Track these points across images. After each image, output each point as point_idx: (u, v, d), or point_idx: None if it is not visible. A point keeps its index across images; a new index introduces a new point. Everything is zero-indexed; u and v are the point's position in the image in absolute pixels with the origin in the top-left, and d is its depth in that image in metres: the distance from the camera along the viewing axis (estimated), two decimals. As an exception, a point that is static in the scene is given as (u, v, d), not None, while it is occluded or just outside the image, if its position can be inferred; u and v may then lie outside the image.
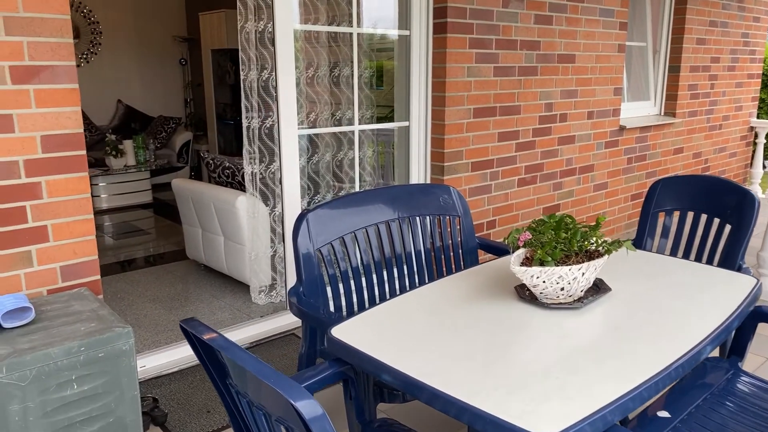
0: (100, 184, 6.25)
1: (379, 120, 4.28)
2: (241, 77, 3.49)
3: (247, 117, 3.55)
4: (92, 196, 6.25)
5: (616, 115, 4.92)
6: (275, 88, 3.22)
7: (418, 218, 2.52)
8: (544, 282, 1.71)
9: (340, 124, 3.92)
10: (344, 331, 1.68)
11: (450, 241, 2.63)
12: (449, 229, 2.62)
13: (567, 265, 1.70)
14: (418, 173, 3.84)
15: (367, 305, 2.33)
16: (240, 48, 3.40)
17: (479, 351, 1.54)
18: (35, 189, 2.26)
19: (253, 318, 3.48)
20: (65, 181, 2.33)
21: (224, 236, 3.90)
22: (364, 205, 2.45)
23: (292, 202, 3.35)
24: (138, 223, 5.85)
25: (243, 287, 3.95)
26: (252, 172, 3.62)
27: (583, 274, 1.71)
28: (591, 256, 1.76)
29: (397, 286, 2.38)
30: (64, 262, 2.37)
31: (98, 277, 2.49)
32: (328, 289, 2.21)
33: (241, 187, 3.92)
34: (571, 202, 4.72)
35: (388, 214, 2.44)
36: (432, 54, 3.67)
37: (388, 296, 2.33)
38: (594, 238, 1.79)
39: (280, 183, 3.39)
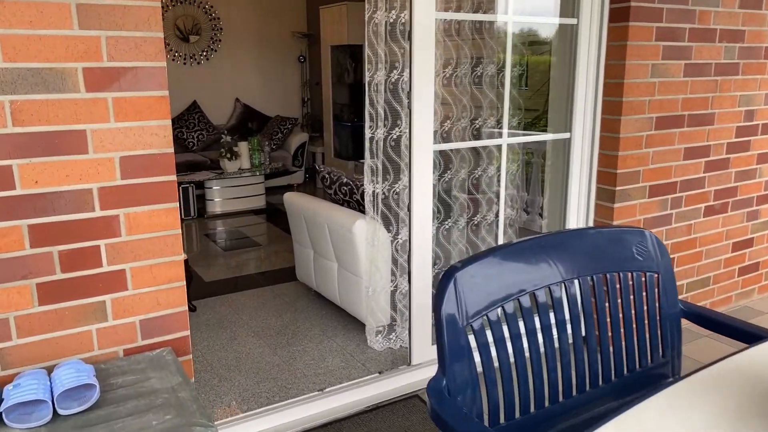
0: (214, 188, 6.00)
1: (527, 128, 3.54)
2: (366, 78, 2.90)
3: (370, 126, 2.96)
4: (205, 200, 6.02)
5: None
6: (409, 91, 2.59)
7: (603, 276, 1.79)
8: None
9: (479, 134, 3.23)
10: None
11: (645, 307, 1.87)
12: (645, 292, 1.86)
13: None
14: (579, 199, 3.05)
15: (533, 407, 1.64)
16: (366, 43, 2.81)
17: None
18: (112, 224, 1.78)
19: (369, 369, 2.89)
20: (149, 215, 1.83)
21: (338, 263, 3.35)
22: (530, 259, 1.74)
23: (422, 229, 2.71)
24: (249, 231, 5.51)
25: (357, 324, 3.38)
26: (374, 192, 3.02)
27: None
28: None
29: (573, 378, 1.67)
30: (144, 315, 1.89)
31: (186, 332, 1.98)
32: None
33: (359, 207, 3.34)
34: (769, 236, 3.71)
35: (563, 271, 1.73)
36: (606, 48, 2.87)
37: (562, 392, 1.63)
38: None
39: (409, 206, 2.76)
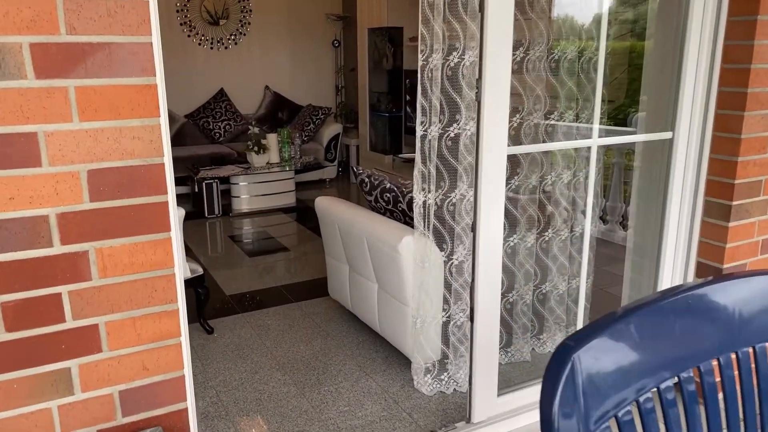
0: (240, 184, 5.52)
1: (616, 124, 2.94)
2: (419, 62, 2.34)
3: (423, 122, 2.41)
4: (231, 196, 5.55)
5: None
6: (478, 79, 2.03)
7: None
8: None
9: (553, 133, 2.65)
10: None
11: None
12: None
13: None
14: (680, 214, 2.45)
15: None
16: (420, 19, 2.26)
17: None
18: (78, 264, 1.28)
19: (417, 423, 2.36)
20: (131, 250, 1.32)
21: (378, 285, 2.82)
22: (674, 324, 1.17)
23: (491, 250, 2.15)
24: (276, 232, 5.02)
25: (400, 358, 2.85)
26: (425, 203, 2.48)
27: None
28: None
29: None
30: (126, 385, 1.38)
31: (184, 404, 1.47)
32: None
33: (405, 218, 2.80)
34: None
35: (719, 341, 1.15)
36: (725, 24, 2.25)
37: None
38: None
39: (474, 223, 2.21)
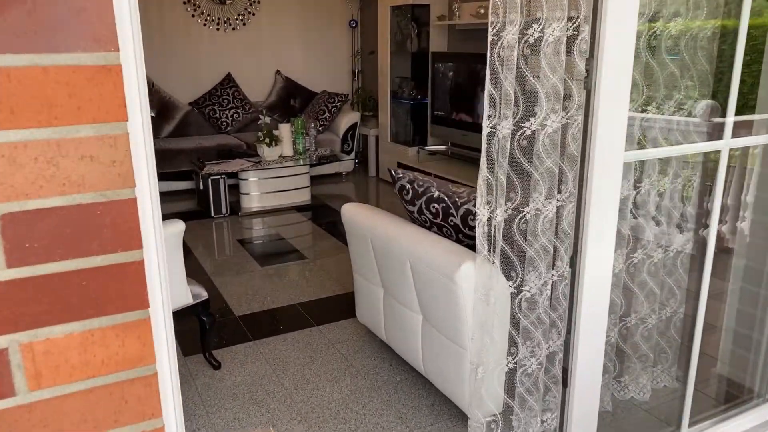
0: (251, 180, 4.99)
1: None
2: (489, 37, 1.79)
3: (491, 115, 1.86)
4: (240, 194, 5.03)
5: None
6: (589, 56, 1.48)
7: None
8: None
9: (667, 130, 2.09)
10: None
11: None
12: None
13: None
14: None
15: None
16: (492, -20, 1.70)
17: None
18: (-10, 373, 0.75)
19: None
20: (83, 341, 0.79)
21: (424, 317, 2.29)
22: None
23: (598, 284, 1.61)
24: (291, 235, 4.49)
25: (450, 406, 2.33)
26: (491, 220, 1.94)
27: None
28: None
29: None
30: None
31: None
32: None
33: (457, 234, 2.26)
34: None
35: None
36: None
37: None
38: None
39: (576, 247, 1.68)
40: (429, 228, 2.40)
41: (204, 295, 2.53)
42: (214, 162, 4.98)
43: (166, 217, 4.91)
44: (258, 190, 5.03)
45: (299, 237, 4.48)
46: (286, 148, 5.16)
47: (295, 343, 2.83)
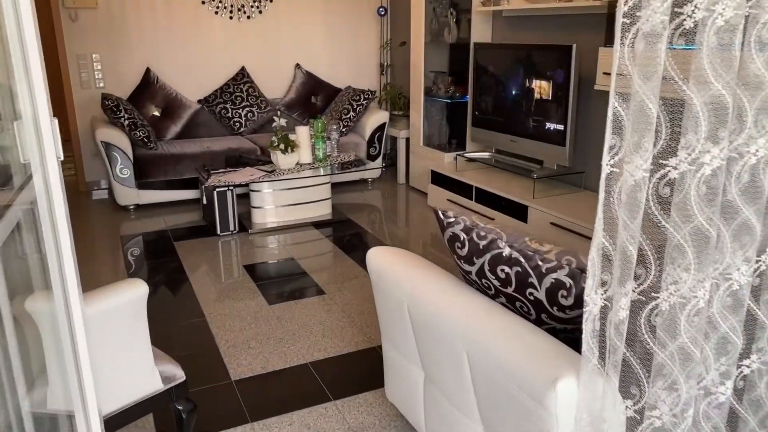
0: (264, 191, 4.32)
1: None
2: (617, 22, 1.08)
3: (613, 146, 1.15)
4: (251, 207, 4.37)
5: None
6: None
7: None
8: None
9: None
10: None
11: None
12: None
13: None
14: None
15: None
16: None
17: None
18: None
19: None
20: None
21: (484, 426, 1.58)
22: None
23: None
24: (308, 259, 3.81)
25: None
26: (604, 310, 1.23)
27: None
28: None
29: None
30: None
31: None
32: None
33: (539, 314, 1.54)
34: None
35: None
36: None
37: None
38: None
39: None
40: (492, 296, 1.68)
41: (179, 376, 1.86)
42: (220, 171, 4.32)
43: (168, 231, 4.24)
44: (271, 204, 4.36)
45: (317, 262, 3.80)
46: (304, 155, 4.47)
47: (304, 429, 2.14)
